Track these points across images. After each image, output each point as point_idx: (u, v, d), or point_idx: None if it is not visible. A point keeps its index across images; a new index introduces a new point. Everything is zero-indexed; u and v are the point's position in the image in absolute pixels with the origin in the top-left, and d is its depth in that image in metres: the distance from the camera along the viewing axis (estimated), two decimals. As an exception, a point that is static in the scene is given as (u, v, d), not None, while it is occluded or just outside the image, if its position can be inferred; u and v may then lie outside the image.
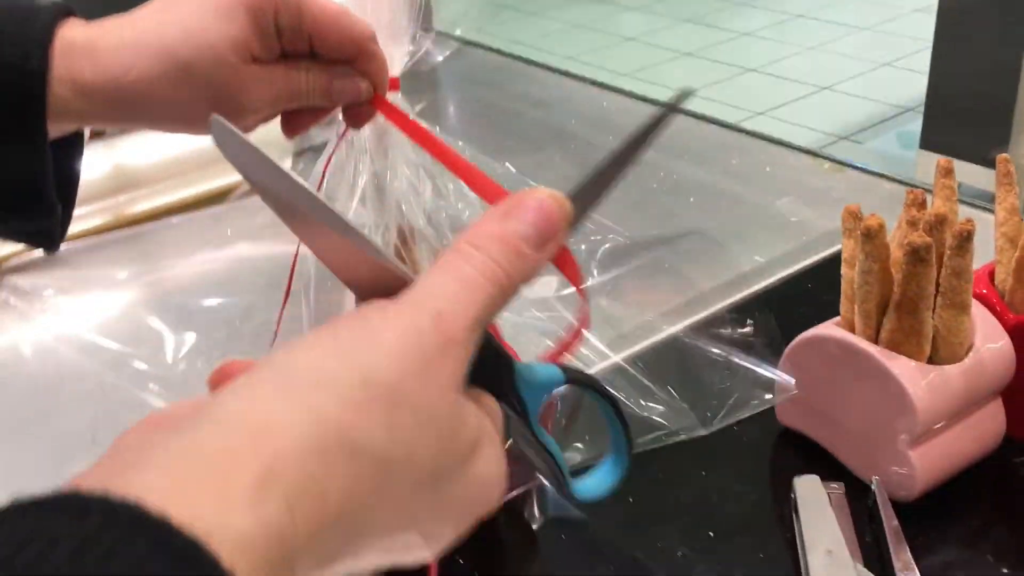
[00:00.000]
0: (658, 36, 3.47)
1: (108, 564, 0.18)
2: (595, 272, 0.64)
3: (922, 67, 2.25)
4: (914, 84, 2.62)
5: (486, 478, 0.29)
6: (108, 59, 0.41)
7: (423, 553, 0.28)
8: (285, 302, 0.55)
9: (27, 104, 0.38)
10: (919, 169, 2.18)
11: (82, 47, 0.40)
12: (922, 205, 0.55)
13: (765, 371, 0.58)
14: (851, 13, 3.53)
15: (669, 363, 0.60)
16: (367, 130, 0.49)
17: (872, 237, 0.52)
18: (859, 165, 0.93)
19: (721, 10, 3.71)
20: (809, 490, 0.55)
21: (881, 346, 0.54)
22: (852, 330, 0.55)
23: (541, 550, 0.56)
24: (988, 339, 0.55)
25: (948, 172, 0.55)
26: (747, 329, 0.65)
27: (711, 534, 0.56)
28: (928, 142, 2.21)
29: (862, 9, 3.55)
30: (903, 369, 0.52)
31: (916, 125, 2.29)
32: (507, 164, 0.60)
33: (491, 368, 0.31)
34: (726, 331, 0.65)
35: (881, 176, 0.91)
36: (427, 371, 0.26)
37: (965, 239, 0.51)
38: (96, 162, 0.92)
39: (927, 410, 0.52)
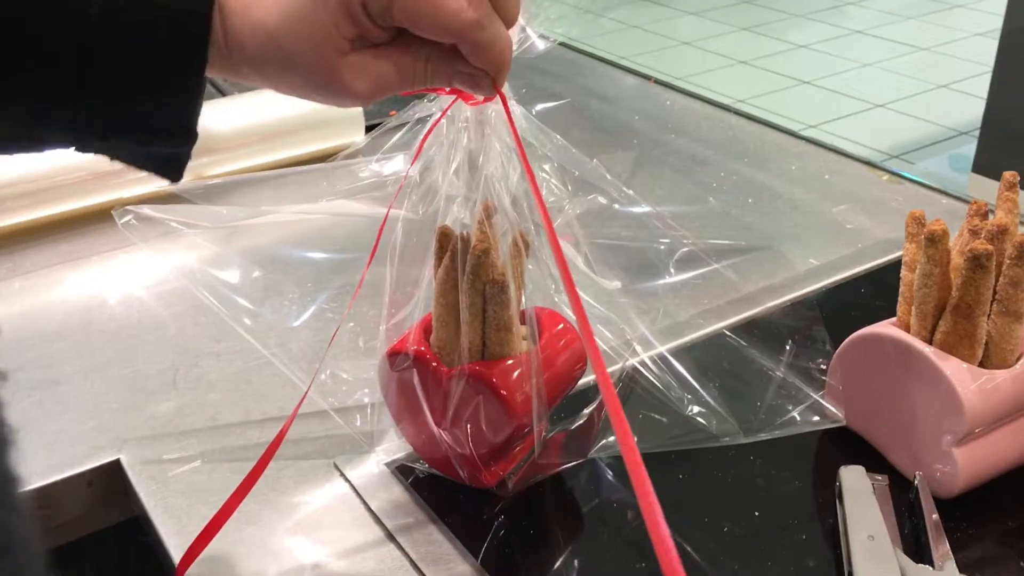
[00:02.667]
0: (714, 42, 3.48)
1: None
2: (672, 271, 0.67)
3: (979, 91, 2.25)
4: (970, 108, 2.61)
5: None
6: (238, 23, 0.43)
7: None
8: (369, 263, 0.58)
9: (193, 34, 0.40)
10: (971, 192, 2.18)
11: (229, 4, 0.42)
12: (984, 216, 0.57)
13: (814, 394, 0.60)
14: (910, 33, 3.51)
15: (718, 360, 0.63)
16: (469, 109, 0.51)
17: (936, 242, 0.54)
18: (918, 179, 0.95)
19: (779, 20, 3.71)
20: (854, 479, 0.58)
21: (935, 347, 0.56)
22: (908, 331, 0.58)
23: (588, 523, 0.59)
24: (1039, 349, 0.57)
25: (1012, 185, 0.57)
26: (796, 330, 0.68)
27: (756, 514, 0.58)
28: (981, 166, 2.21)
29: (921, 29, 3.53)
30: (955, 370, 0.55)
31: (969, 149, 2.29)
32: (595, 161, 0.62)
33: None
34: (778, 333, 0.67)
35: (939, 191, 0.93)
36: None
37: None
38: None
39: (975, 411, 0.54)
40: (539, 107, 0.61)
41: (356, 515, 0.58)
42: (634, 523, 0.57)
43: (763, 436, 0.58)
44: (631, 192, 0.59)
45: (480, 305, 0.54)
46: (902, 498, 0.57)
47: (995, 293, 0.55)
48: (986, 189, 0.65)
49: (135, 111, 0.40)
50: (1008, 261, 0.54)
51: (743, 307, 0.76)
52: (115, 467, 0.63)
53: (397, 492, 0.60)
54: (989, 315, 0.55)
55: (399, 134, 0.57)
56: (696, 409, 0.58)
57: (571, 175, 0.58)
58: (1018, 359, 0.56)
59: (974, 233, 0.56)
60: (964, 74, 3.04)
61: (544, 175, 0.58)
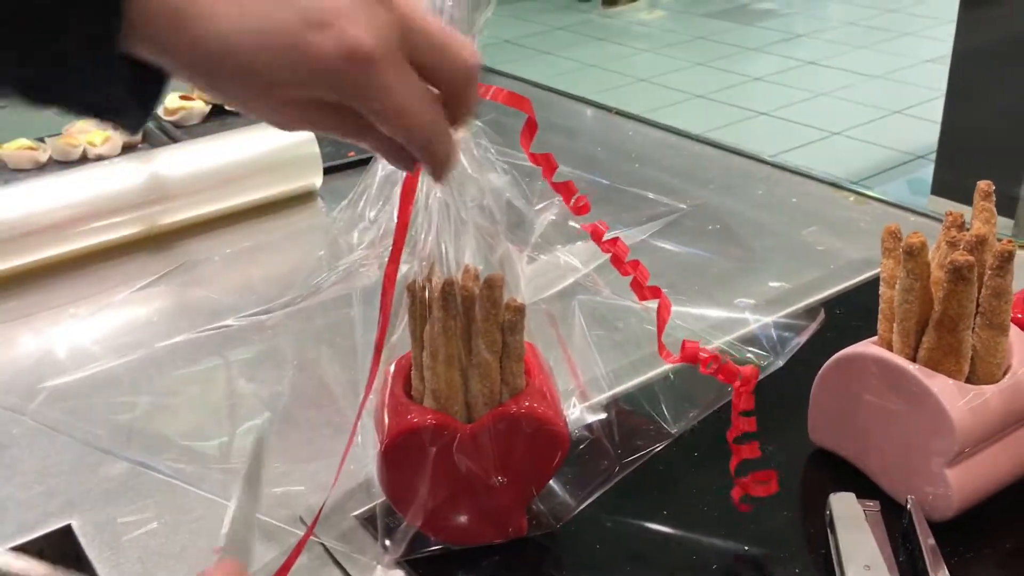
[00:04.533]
0: (670, 78, 3.51)
1: None
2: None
3: (933, 115, 2.28)
4: (925, 132, 2.65)
5: None
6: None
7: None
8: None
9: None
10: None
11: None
12: (960, 227, 0.56)
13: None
14: (862, 61, 3.57)
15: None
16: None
17: (914, 255, 0.52)
18: (884, 199, 0.94)
19: (732, 55, 3.76)
20: (845, 507, 0.55)
21: (920, 364, 0.54)
22: (890, 349, 0.56)
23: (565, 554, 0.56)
24: (1025, 362, 0.55)
25: (987, 195, 0.56)
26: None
27: (745, 548, 0.56)
28: (940, 187, 2.23)
29: (873, 58, 3.60)
30: (942, 387, 0.53)
31: (926, 172, 2.31)
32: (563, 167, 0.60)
33: None
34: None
35: (905, 209, 0.92)
36: None
37: (1005, 259, 0.51)
38: (131, 174, 0.94)
39: (965, 429, 0.52)
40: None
41: None
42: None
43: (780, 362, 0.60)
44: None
45: (501, 340, 0.51)
46: (895, 524, 0.55)
47: (978, 306, 0.53)
48: (945, 210, 0.66)
49: (66, 87, 0.37)
50: (989, 272, 0.52)
51: (717, 332, 0.74)
52: (66, 533, 0.59)
53: None
54: (973, 329, 0.54)
55: (359, 183, 0.54)
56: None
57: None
58: (1005, 373, 0.55)
59: (952, 245, 0.54)
60: (917, 99, 3.09)
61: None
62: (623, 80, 3.51)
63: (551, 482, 0.57)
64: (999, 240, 0.53)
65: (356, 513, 0.58)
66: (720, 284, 0.81)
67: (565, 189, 0.50)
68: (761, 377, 0.56)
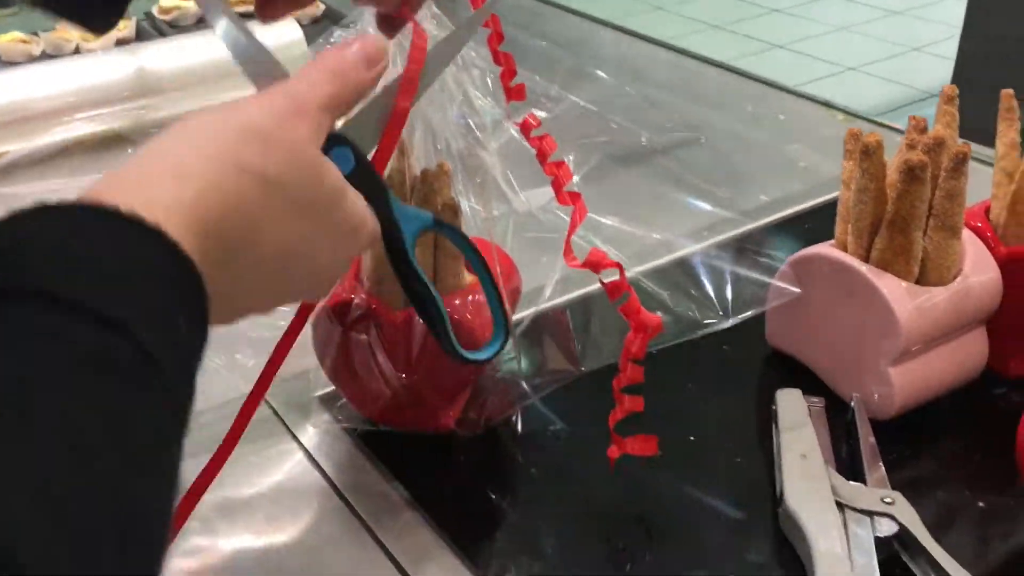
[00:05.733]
0: (687, 7, 3.45)
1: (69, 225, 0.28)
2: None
3: (950, 53, 2.24)
4: (942, 70, 2.60)
5: (357, 217, 0.39)
6: None
7: (320, 280, 0.39)
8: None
9: None
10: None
11: None
12: (923, 131, 0.56)
13: (769, 279, 0.59)
14: (885, -2, 3.50)
15: (676, 276, 0.61)
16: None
17: (870, 154, 0.53)
18: (872, 118, 0.94)
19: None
20: (790, 401, 0.57)
21: (871, 264, 0.55)
22: (845, 250, 0.57)
23: (525, 462, 0.57)
24: (977, 268, 0.56)
25: (951, 99, 0.56)
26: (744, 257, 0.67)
27: (692, 439, 0.57)
28: (950, 125, 2.20)
29: (895, -6, 3.52)
30: (891, 287, 0.54)
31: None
32: (536, 77, 0.59)
33: (368, 187, 0.40)
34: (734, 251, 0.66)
35: (893, 129, 0.91)
36: (283, 126, 0.35)
37: (960, 161, 0.52)
38: (120, 67, 0.94)
39: (911, 328, 0.53)
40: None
41: (309, 478, 0.56)
42: (585, 464, 0.56)
43: (739, 318, 0.56)
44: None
45: (432, 235, 0.52)
46: (840, 421, 0.56)
47: (932, 208, 0.54)
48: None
49: None
50: (944, 174, 0.52)
51: (697, 236, 0.75)
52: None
53: (348, 451, 0.57)
54: (926, 231, 0.54)
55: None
56: (673, 295, 0.56)
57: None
58: (955, 276, 0.55)
59: (911, 147, 0.54)
60: (937, 37, 3.03)
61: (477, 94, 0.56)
62: (640, 6, 3.46)
63: (489, 385, 0.58)
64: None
65: (319, 393, 0.60)
66: (700, 192, 0.81)
67: (507, 62, 0.50)
68: (699, 334, 0.55)
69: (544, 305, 0.58)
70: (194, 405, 0.29)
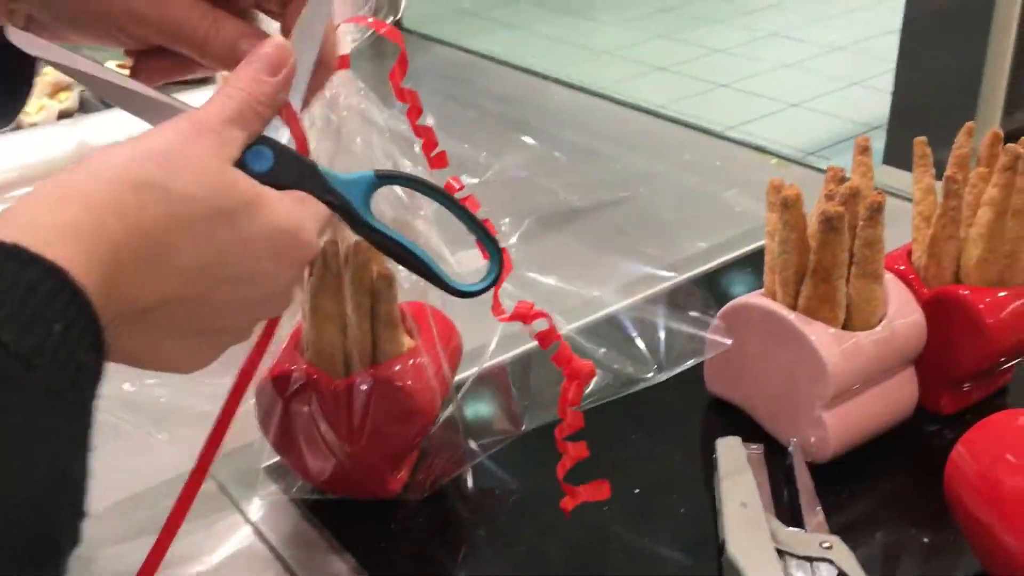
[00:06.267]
0: (632, 50, 3.52)
1: None
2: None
3: (889, 86, 2.30)
4: (881, 102, 2.67)
5: (286, 222, 0.38)
6: None
7: (273, 293, 0.38)
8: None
9: None
10: (883, 183, 2.23)
11: None
12: (841, 181, 0.58)
13: (702, 332, 0.59)
14: (825, 32, 3.59)
15: (612, 333, 0.62)
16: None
17: (789, 206, 0.54)
18: (805, 162, 0.96)
19: (695, 27, 3.76)
20: (729, 449, 0.58)
21: (799, 312, 0.57)
22: (774, 299, 0.58)
23: (474, 523, 0.58)
24: (902, 311, 0.58)
25: (865, 150, 0.58)
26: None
27: (636, 491, 0.58)
28: (891, 157, 2.26)
29: (837, 29, 3.61)
30: (817, 334, 0.55)
31: (880, 143, 2.34)
32: (465, 145, 0.61)
33: (296, 171, 0.40)
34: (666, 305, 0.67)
35: (820, 171, 0.94)
36: (186, 144, 0.35)
37: (876, 210, 0.54)
38: (61, 140, 0.94)
39: (839, 373, 0.55)
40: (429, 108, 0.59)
41: (258, 552, 0.56)
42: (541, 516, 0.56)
43: (674, 371, 0.56)
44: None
45: (368, 305, 0.53)
46: (779, 466, 0.58)
47: (852, 256, 0.56)
48: (898, 179, 0.68)
49: None
50: (861, 223, 0.54)
51: (633, 290, 0.76)
52: None
53: (295, 523, 0.57)
54: (848, 278, 0.56)
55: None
56: (608, 353, 0.56)
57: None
58: (880, 320, 0.57)
59: (829, 198, 0.56)
60: (877, 71, 3.11)
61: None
62: (586, 54, 3.52)
63: (435, 446, 0.58)
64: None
65: (264, 464, 0.60)
66: (636, 244, 0.83)
67: (426, 135, 0.51)
68: (635, 390, 0.55)
69: (487, 364, 0.58)
70: (92, 417, 0.30)
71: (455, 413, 0.57)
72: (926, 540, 0.54)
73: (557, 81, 1.23)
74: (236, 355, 0.43)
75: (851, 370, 0.55)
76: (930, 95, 2.17)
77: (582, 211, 0.71)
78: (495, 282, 0.47)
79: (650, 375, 0.55)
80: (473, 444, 0.58)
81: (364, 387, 0.53)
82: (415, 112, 0.49)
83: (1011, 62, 2.06)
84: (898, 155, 2.24)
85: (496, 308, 0.51)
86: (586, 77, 1.24)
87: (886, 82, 2.91)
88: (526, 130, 1.09)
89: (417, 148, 0.54)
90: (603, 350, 0.55)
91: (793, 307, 0.57)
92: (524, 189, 0.79)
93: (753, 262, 0.80)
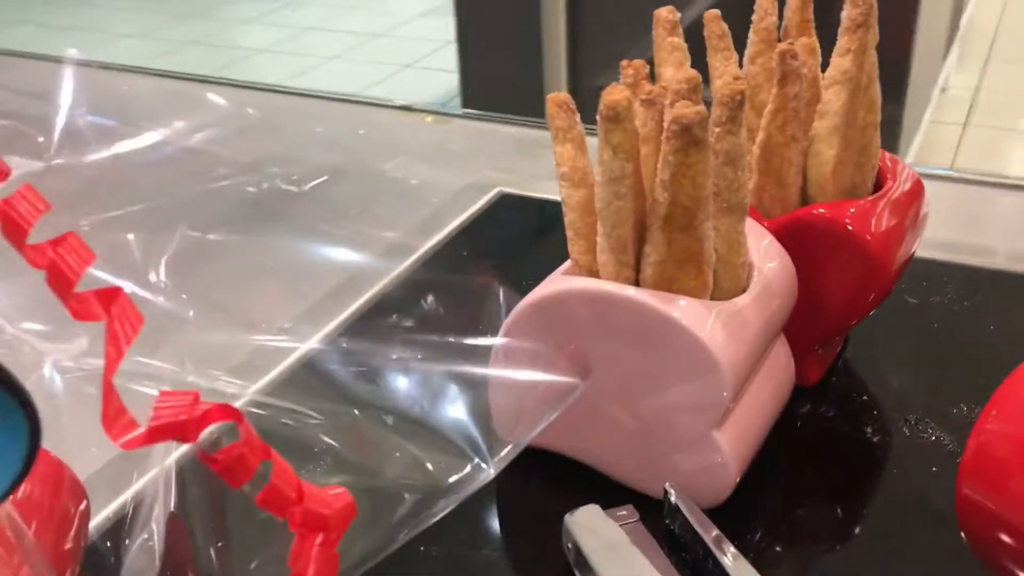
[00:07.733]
0: (160, 62, 3.14)
1: None
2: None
3: (446, 65, 2.25)
4: (443, 80, 2.63)
5: None
6: None
7: None
8: None
9: None
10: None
11: None
12: (645, 77, 0.39)
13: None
14: (362, 22, 3.50)
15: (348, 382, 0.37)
16: None
17: (621, 121, 0.34)
18: (468, 112, 0.77)
19: (223, 30, 3.47)
20: (591, 526, 0.36)
21: (645, 287, 0.36)
22: (597, 276, 0.37)
23: None
24: (765, 255, 0.40)
25: (675, 26, 0.39)
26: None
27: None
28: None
29: (371, 18, 3.54)
30: (691, 315, 0.35)
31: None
32: None
33: None
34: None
35: (497, 121, 0.75)
36: None
37: (736, 107, 0.35)
38: None
39: (732, 364, 0.35)
40: None
41: None
42: None
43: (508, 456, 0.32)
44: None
45: None
46: (660, 527, 0.37)
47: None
48: None
49: None
50: (716, 130, 0.35)
51: (320, 317, 0.52)
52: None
53: None
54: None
55: None
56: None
57: None
58: (748, 275, 0.39)
59: (650, 104, 0.36)
60: (425, 52, 3.07)
61: None
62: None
63: None
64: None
65: None
66: (303, 256, 0.58)
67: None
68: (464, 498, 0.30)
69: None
70: None
71: None
72: (860, 546, 0.37)
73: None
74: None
75: (743, 358, 0.36)
76: (497, 67, 2.16)
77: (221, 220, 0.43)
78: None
79: (467, 469, 0.30)
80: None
81: None
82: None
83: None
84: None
85: (109, 420, 0.23)
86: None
87: (437, 60, 2.88)
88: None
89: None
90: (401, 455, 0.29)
91: (635, 281, 0.37)
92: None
93: (469, 238, 0.59)
